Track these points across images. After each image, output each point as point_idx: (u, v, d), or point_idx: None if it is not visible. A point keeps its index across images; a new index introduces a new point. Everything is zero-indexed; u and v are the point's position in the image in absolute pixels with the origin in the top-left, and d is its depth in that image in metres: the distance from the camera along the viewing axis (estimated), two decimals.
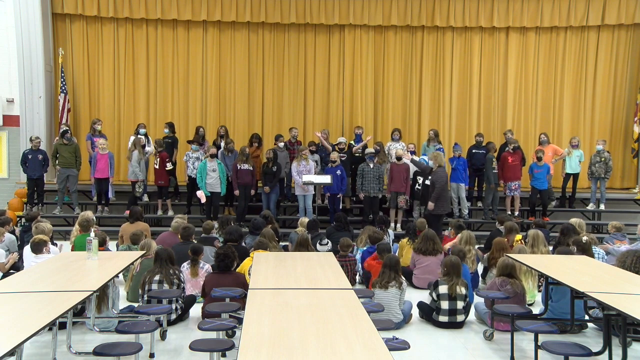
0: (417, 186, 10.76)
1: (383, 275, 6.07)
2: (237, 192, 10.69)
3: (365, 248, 7.98)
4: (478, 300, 6.47)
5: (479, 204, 11.86)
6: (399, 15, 12.89)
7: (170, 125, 11.83)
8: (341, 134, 12.64)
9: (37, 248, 6.30)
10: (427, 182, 9.94)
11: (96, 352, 4.20)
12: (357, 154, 11.38)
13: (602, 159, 11.56)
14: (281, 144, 11.24)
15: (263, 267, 5.18)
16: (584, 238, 6.93)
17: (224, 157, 11.06)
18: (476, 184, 11.91)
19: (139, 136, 11.27)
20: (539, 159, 11.24)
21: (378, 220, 9.45)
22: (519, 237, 7.86)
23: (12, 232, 8.19)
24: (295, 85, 13.13)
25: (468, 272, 6.93)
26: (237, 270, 6.33)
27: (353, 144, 11.75)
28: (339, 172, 10.63)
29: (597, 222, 11.67)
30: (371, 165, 10.58)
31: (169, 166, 11.10)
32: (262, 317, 3.57)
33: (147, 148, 11.30)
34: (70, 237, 8.61)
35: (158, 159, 11.00)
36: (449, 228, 9.01)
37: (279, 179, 11.00)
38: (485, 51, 13.25)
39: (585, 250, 6.66)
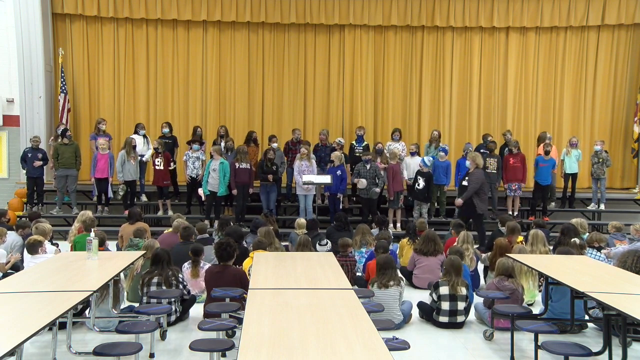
0: (416, 186, 10.77)
1: (379, 274, 6.06)
2: (235, 192, 10.65)
3: (364, 250, 7.88)
4: (478, 300, 6.47)
5: None
6: (399, 15, 12.89)
7: (170, 125, 11.83)
8: (341, 134, 12.64)
9: (33, 249, 6.30)
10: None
11: (96, 352, 4.20)
12: (358, 154, 11.37)
13: (600, 160, 11.56)
14: (274, 145, 11.18)
15: (263, 267, 5.17)
16: (577, 241, 7.12)
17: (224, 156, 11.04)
18: None
19: (131, 136, 11.22)
20: (547, 152, 11.20)
21: (376, 220, 9.45)
22: (520, 238, 7.84)
23: (29, 235, 8.07)
24: (295, 85, 13.12)
25: (468, 271, 6.93)
26: None
27: (355, 144, 11.75)
28: (339, 172, 10.62)
29: (597, 222, 11.66)
30: (367, 167, 10.56)
31: (172, 166, 11.07)
32: (262, 317, 3.57)
33: (138, 148, 11.17)
34: (68, 236, 8.59)
35: (162, 159, 10.96)
36: (450, 228, 9.00)
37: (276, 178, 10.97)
38: (485, 51, 13.24)
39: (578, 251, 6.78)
